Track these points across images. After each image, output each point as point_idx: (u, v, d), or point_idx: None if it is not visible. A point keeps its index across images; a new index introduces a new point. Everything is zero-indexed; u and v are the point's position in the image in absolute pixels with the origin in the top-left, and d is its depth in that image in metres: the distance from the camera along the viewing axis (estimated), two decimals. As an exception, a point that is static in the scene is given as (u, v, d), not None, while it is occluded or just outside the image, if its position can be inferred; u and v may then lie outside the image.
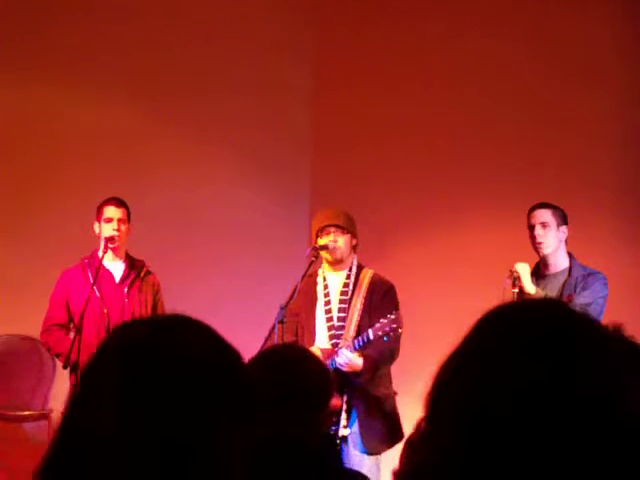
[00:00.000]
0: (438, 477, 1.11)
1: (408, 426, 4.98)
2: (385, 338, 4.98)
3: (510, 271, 5.15)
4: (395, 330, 4.95)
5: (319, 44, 7.46)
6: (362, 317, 5.17)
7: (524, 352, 1.11)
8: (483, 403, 1.09)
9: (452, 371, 1.16)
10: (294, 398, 2.52)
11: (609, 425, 1.08)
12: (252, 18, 7.31)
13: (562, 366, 1.09)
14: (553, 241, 5.22)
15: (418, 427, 1.18)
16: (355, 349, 5.05)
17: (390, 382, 5.29)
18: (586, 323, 1.16)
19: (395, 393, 5.28)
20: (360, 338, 5.04)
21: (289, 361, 2.60)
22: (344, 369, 5.04)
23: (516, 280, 5.12)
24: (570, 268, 5.21)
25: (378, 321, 5.00)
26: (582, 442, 1.07)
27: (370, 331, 5.00)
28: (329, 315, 5.28)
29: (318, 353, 5.12)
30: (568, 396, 1.08)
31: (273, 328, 5.07)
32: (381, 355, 5.10)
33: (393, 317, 4.96)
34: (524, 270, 5.14)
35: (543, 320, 1.14)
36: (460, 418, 1.11)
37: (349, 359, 5.04)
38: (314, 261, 5.28)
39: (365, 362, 5.06)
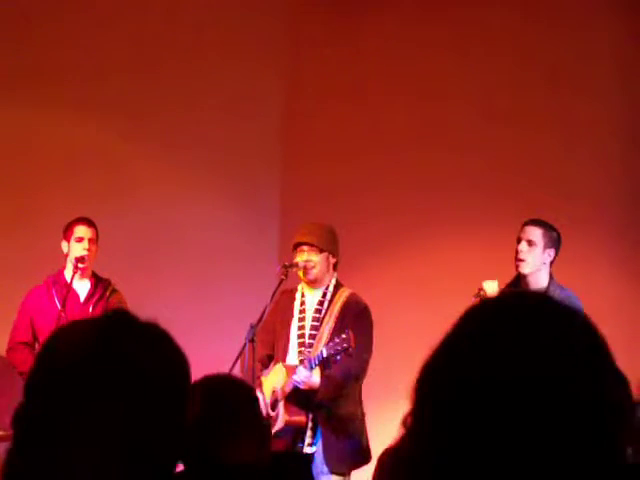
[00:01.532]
0: (425, 468, 1.12)
1: (376, 445, 4.95)
2: (338, 357, 5.00)
3: (477, 289, 5.12)
4: (346, 350, 4.96)
5: (292, 59, 7.45)
6: (332, 337, 5.15)
7: (517, 344, 1.12)
8: (475, 393, 1.11)
9: (441, 362, 1.16)
10: (224, 429, 2.57)
11: (596, 423, 1.10)
12: (224, 32, 7.29)
13: (555, 358, 1.11)
14: (534, 262, 5.09)
15: (404, 423, 1.19)
16: (311, 367, 5.05)
17: (358, 403, 5.25)
18: (572, 315, 1.18)
19: (363, 414, 5.26)
20: (315, 356, 5.06)
21: (210, 394, 2.62)
22: (301, 387, 5.05)
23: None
24: (547, 287, 5.06)
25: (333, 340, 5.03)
26: (572, 435, 1.09)
27: (324, 349, 5.03)
28: (301, 332, 5.28)
29: (282, 370, 5.13)
30: (559, 390, 1.10)
31: (244, 347, 5.07)
32: (342, 374, 5.09)
33: (344, 336, 4.97)
34: (492, 288, 5.09)
35: (533, 310, 1.17)
36: (449, 409, 1.12)
37: (305, 377, 5.04)
38: (284, 279, 5.27)
39: (322, 380, 5.06)
